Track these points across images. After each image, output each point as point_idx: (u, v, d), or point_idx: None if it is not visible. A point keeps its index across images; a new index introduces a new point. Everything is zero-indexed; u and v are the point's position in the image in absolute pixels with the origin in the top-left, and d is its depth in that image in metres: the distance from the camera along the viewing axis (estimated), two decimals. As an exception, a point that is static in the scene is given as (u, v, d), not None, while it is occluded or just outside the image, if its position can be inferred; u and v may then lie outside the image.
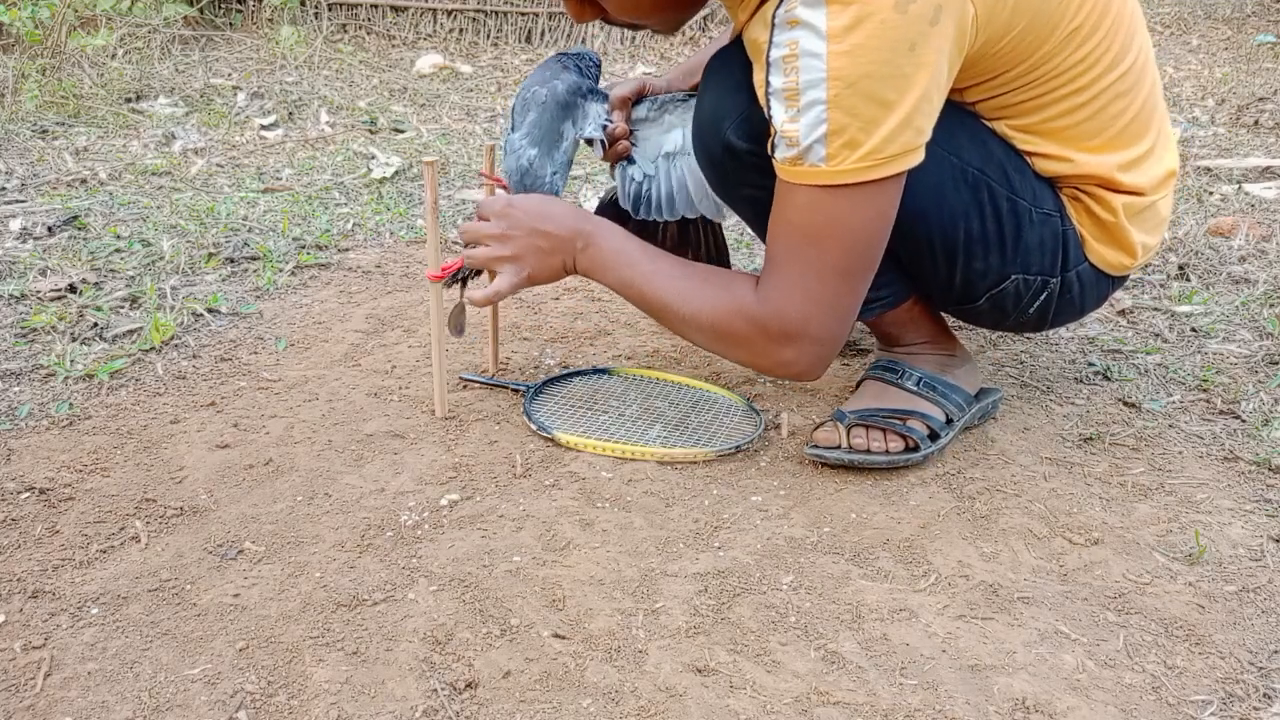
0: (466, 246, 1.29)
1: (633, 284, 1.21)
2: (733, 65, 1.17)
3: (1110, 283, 1.31)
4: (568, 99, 1.37)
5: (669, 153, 1.41)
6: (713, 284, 1.19)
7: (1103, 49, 1.14)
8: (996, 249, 1.21)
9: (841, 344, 1.17)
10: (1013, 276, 1.23)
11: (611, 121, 1.40)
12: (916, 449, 1.25)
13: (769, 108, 1.06)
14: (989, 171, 1.18)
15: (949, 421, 1.30)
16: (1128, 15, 1.17)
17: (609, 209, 1.47)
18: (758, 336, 1.15)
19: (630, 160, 1.42)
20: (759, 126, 1.11)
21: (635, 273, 1.21)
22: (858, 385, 1.36)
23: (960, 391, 1.32)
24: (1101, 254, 1.26)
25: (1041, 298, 1.26)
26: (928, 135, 1.05)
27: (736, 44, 1.19)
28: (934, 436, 1.28)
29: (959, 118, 1.16)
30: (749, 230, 2.19)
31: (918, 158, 1.06)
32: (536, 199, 1.27)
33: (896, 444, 1.25)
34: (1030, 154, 1.20)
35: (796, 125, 1.03)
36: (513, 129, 1.38)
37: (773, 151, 1.07)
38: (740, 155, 1.17)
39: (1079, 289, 1.28)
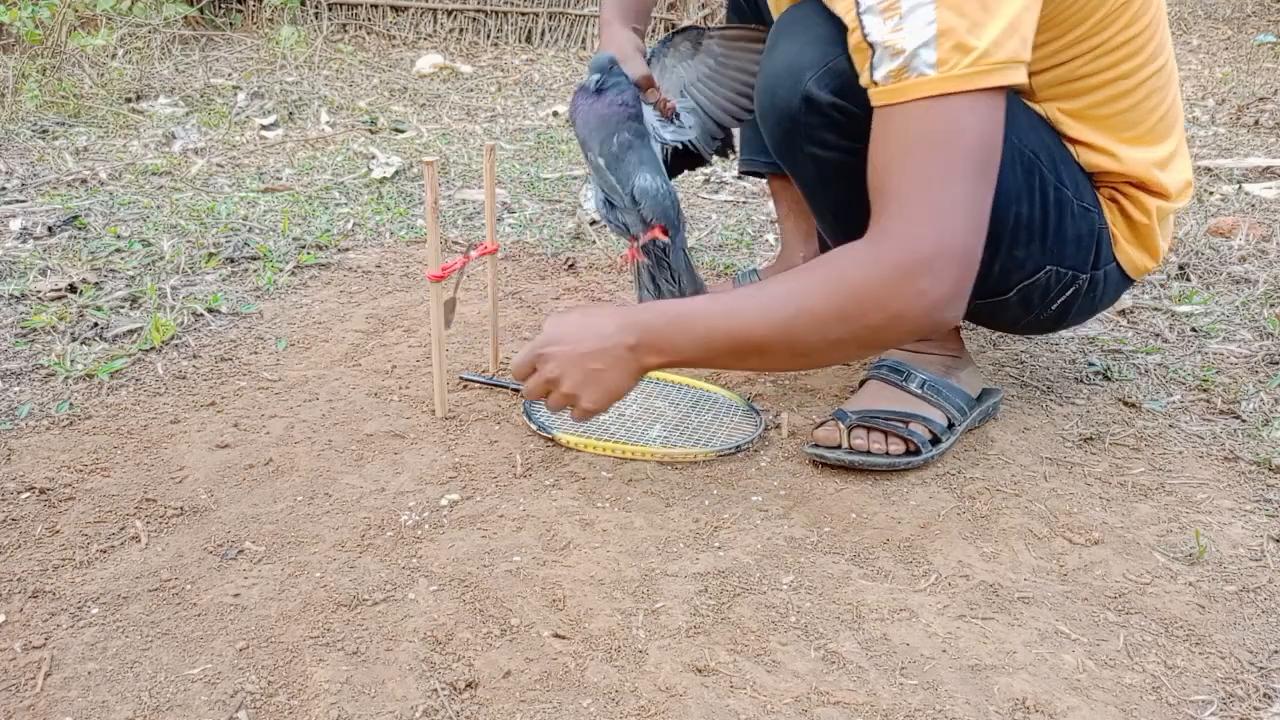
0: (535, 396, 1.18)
1: (714, 337, 1.07)
2: (810, 19, 1.14)
3: (1127, 285, 1.33)
4: (640, 128, 1.33)
5: (681, 91, 1.44)
6: (801, 277, 1.08)
7: (1147, 36, 1.16)
8: (1039, 237, 1.21)
9: (976, 266, 1.03)
10: (1047, 268, 1.23)
11: (656, 103, 1.38)
12: (917, 452, 1.25)
13: (863, 29, 1.02)
14: (1042, 156, 1.18)
15: (950, 426, 1.29)
16: (1164, 18, 1.19)
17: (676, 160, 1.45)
18: (886, 282, 1.01)
19: (677, 115, 1.41)
20: (845, 79, 1.09)
21: (709, 324, 1.08)
22: (860, 384, 1.36)
23: (963, 395, 1.31)
24: (1129, 255, 1.27)
25: (1068, 293, 1.27)
26: (1028, 56, 1.02)
27: (807, 2, 1.17)
28: (935, 440, 1.27)
29: (1016, 99, 1.16)
30: (748, 229, 2.19)
31: (1022, 75, 1.01)
32: (568, 322, 1.14)
33: (898, 446, 1.25)
34: (1076, 143, 1.21)
35: (900, 33, 0.99)
36: (632, 179, 1.33)
37: (872, 74, 1.02)
38: (820, 108, 1.14)
39: (1102, 288, 1.29)
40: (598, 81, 1.29)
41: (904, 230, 1.01)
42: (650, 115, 1.36)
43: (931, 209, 1.01)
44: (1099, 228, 1.24)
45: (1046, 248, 1.21)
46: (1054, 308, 1.27)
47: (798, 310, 1.04)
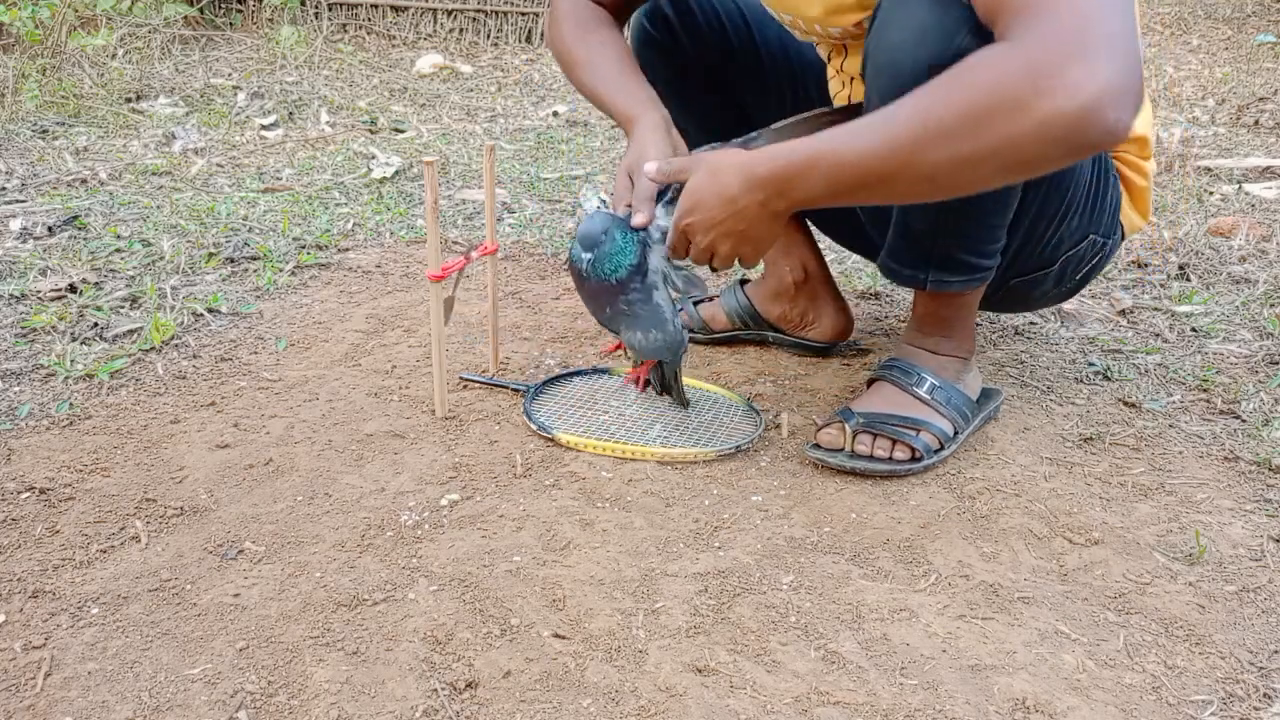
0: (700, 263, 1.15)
1: (839, 171, 0.97)
2: None
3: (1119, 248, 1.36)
4: (638, 293, 1.22)
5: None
6: (927, 88, 0.93)
7: None
8: (1089, 205, 1.22)
9: (1139, 68, 0.87)
10: (1090, 236, 1.24)
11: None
12: (920, 459, 1.25)
13: None
14: None
15: (954, 434, 1.29)
16: None
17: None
18: (1026, 76, 0.85)
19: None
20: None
21: (835, 159, 0.97)
22: (869, 384, 1.35)
23: (969, 402, 1.31)
24: (1130, 217, 1.31)
25: (1095, 260, 1.29)
26: None
27: None
28: (940, 448, 1.27)
29: None
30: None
31: None
32: (699, 189, 1.10)
33: (903, 453, 1.24)
34: None
35: None
36: (625, 334, 1.27)
37: None
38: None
39: (1109, 252, 1.31)
40: (588, 264, 1.19)
41: (1046, 24, 0.86)
42: (658, 260, 1.22)
43: (1077, 2, 0.86)
44: (1117, 192, 1.26)
45: (1094, 216, 1.22)
46: (1079, 277, 1.29)
47: (923, 126, 0.91)
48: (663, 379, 1.36)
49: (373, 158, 2.73)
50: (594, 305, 1.26)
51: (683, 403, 1.39)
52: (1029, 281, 1.31)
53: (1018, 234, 1.24)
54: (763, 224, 1.09)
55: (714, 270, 1.18)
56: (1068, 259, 1.28)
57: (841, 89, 1.38)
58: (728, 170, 1.09)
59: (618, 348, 1.42)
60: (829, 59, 1.38)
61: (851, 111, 1.12)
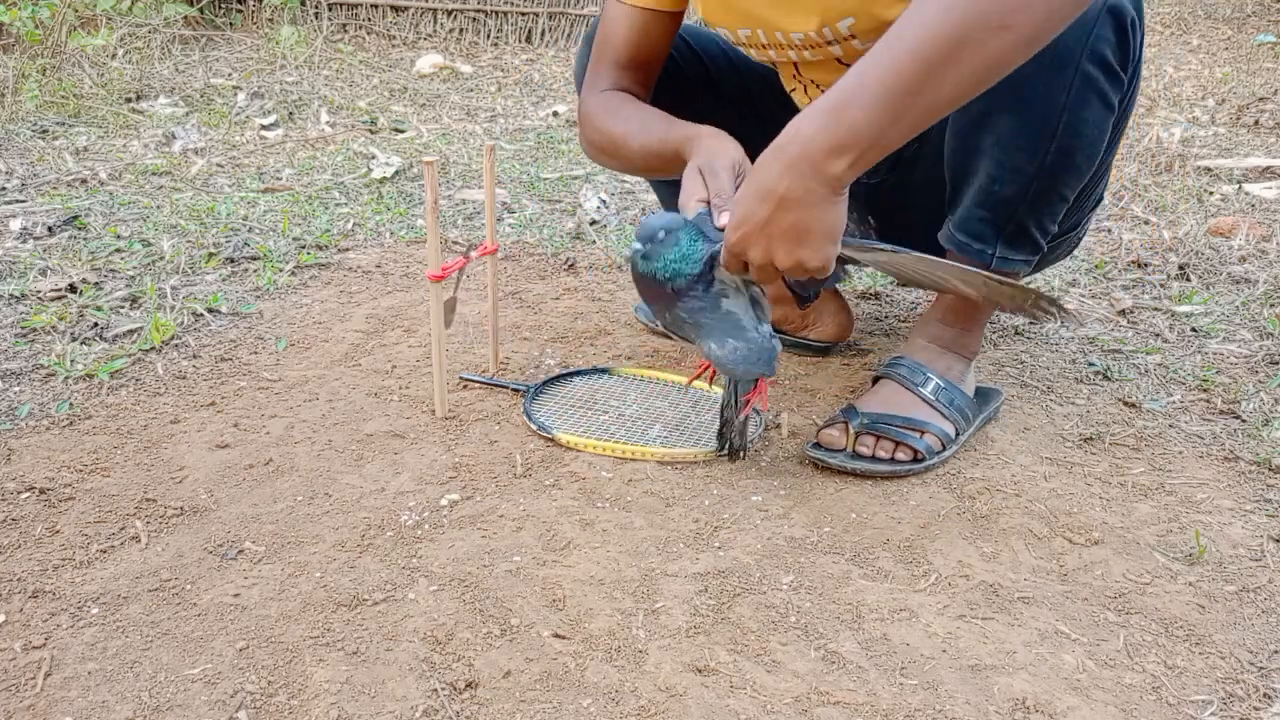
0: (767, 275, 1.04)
1: (886, 88, 0.90)
2: None
3: None
4: (701, 300, 1.11)
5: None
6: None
7: None
8: (1108, 155, 1.25)
9: None
10: (1100, 188, 1.31)
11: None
12: (921, 460, 1.25)
13: None
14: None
15: (956, 435, 1.29)
16: None
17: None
18: None
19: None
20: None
21: (878, 76, 0.91)
22: (874, 382, 1.35)
23: (971, 403, 1.31)
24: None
25: (1093, 215, 1.37)
26: None
27: None
28: (941, 450, 1.27)
29: None
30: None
31: None
32: (743, 199, 1.01)
33: (905, 455, 1.24)
34: None
35: None
36: (698, 344, 1.16)
37: None
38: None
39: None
40: (636, 255, 1.09)
41: None
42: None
43: None
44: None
45: (1107, 166, 1.28)
46: (1082, 235, 1.37)
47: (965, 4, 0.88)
48: (735, 399, 1.20)
49: (373, 158, 2.73)
50: (650, 305, 1.15)
51: (733, 449, 1.24)
52: (1055, 244, 1.35)
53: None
54: (812, 207, 0.96)
55: (800, 298, 1.07)
56: (1088, 217, 1.35)
57: (803, 92, 1.39)
58: (762, 164, 0.99)
59: (705, 368, 1.28)
60: (780, 71, 1.40)
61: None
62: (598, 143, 1.33)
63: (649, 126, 1.25)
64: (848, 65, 1.24)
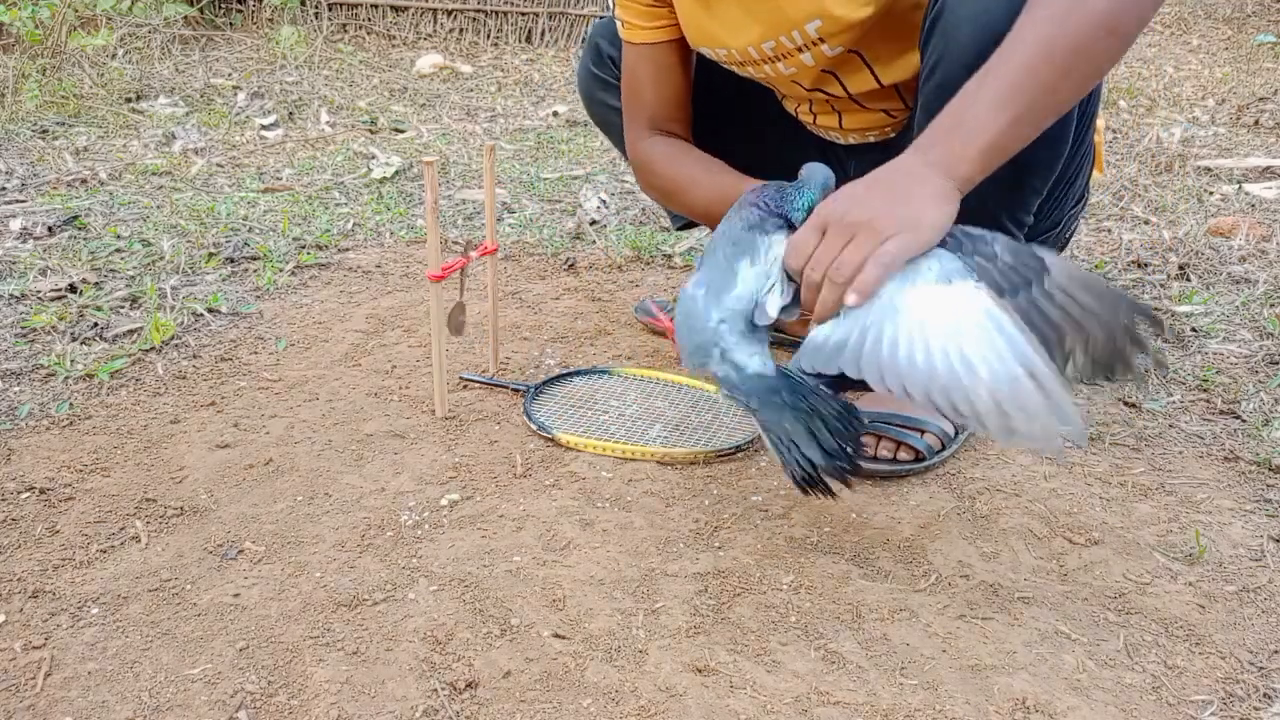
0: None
1: (999, 100, 0.96)
2: None
3: None
4: (742, 235, 1.07)
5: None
6: (1029, 24, 0.97)
7: None
8: (1078, 147, 1.25)
9: None
10: (1080, 184, 1.32)
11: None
12: (922, 459, 1.25)
13: None
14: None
15: (956, 434, 1.29)
16: None
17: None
18: None
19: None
20: None
21: (985, 86, 0.97)
22: None
23: None
24: (1094, 174, 1.37)
25: (1079, 214, 1.38)
26: None
27: None
28: (941, 448, 1.27)
29: None
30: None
31: None
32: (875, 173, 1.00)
33: (906, 454, 1.25)
34: None
35: None
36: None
37: None
38: None
39: (1083, 212, 1.40)
40: (776, 201, 1.05)
41: None
42: (773, 246, 1.06)
43: None
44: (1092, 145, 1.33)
45: (1086, 170, 1.31)
46: (1068, 238, 1.38)
47: (1051, 42, 0.96)
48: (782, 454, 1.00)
49: (373, 158, 2.73)
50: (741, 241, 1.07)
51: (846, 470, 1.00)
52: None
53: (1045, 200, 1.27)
54: (933, 198, 0.97)
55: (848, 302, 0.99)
56: (1072, 218, 1.36)
57: (807, 109, 1.39)
58: (897, 161, 1.00)
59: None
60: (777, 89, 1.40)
61: None
62: (660, 188, 1.42)
63: (715, 180, 1.32)
64: (832, 74, 1.27)
